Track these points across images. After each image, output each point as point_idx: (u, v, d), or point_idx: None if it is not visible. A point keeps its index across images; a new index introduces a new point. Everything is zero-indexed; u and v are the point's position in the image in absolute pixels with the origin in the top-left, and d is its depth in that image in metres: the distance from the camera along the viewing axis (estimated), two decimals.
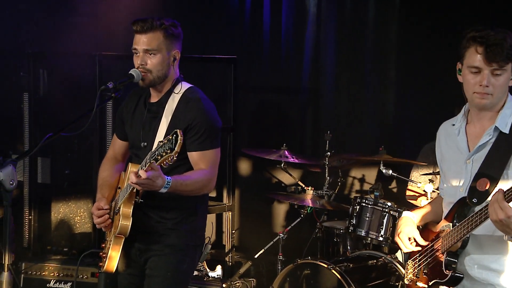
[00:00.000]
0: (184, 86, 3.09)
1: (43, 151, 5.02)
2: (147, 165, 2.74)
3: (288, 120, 5.78)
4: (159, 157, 2.66)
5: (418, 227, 2.73)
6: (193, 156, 3.01)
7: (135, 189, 2.89)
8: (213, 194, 5.36)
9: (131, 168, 3.03)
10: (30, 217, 5.00)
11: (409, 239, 2.69)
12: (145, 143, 3.07)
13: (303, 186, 4.86)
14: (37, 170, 5.10)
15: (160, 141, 2.69)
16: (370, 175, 5.40)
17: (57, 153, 5.14)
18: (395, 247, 4.31)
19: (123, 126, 3.24)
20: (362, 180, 5.46)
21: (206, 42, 5.76)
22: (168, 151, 2.61)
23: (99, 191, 3.17)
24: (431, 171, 4.52)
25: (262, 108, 5.88)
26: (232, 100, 5.11)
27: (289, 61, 5.70)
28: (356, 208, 4.31)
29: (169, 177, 2.83)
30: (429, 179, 4.37)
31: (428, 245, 2.66)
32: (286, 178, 5.54)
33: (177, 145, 2.58)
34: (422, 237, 2.69)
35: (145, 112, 3.11)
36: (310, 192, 4.67)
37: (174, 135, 2.60)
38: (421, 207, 2.89)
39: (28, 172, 5.05)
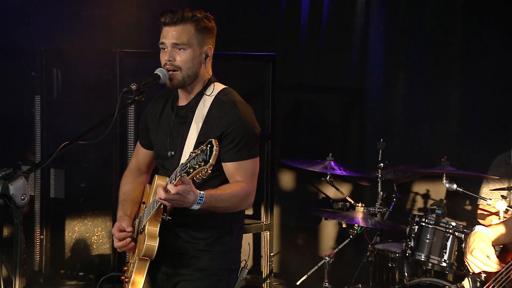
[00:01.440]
0: (217, 88, 3.09)
1: (57, 162, 5.09)
2: (177, 179, 2.74)
3: (334, 126, 5.74)
4: (191, 170, 2.66)
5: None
6: (228, 167, 3.01)
7: (162, 205, 2.90)
8: (249, 211, 5.35)
9: (158, 181, 3.04)
10: (42, 236, 5.05)
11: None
12: (173, 152, 3.08)
13: (352, 202, 4.81)
14: (49, 183, 5.16)
15: (192, 152, 2.70)
16: (431, 190, 5.31)
17: (72, 163, 5.20)
18: (461, 274, 4.24)
19: (148, 133, 3.24)
20: (421, 196, 5.38)
21: (234, 36, 5.77)
22: (202, 164, 2.62)
23: (121, 208, 3.19)
24: (505, 186, 4.42)
25: (303, 112, 5.86)
26: (270, 103, 5.12)
27: (333, 57, 5.66)
28: (415, 228, 4.24)
29: (202, 192, 2.83)
30: (501, 195, 4.27)
31: (503, 269, 2.61)
32: (332, 192, 5.50)
33: (212, 157, 2.59)
34: (499, 259, 2.62)
35: (172, 117, 3.12)
36: (360, 209, 4.62)
37: (209, 145, 2.61)
38: (495, 224, 2.82)
39: (39, 186, 5.11)
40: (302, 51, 5.74)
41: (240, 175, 2.99)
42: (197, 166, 2.63)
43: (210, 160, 2.59)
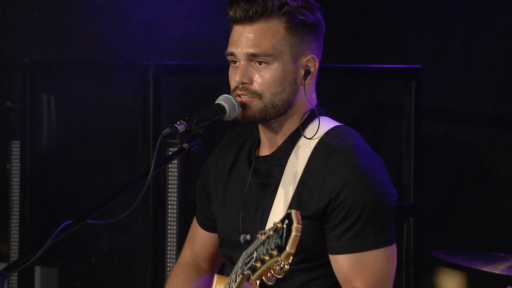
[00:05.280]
0: (324, 125, 3.14)
1: (47, 255, 5.16)
2: (237, 281, 2.80)
3: None
4: (259, 265, 2.69)
5: None
6: (340, 263, 3.03)
7: None
8: None
9: (218, 285, 3.11)
10: None
11: None
12: (248, 237, 3.12)
13: None
14: None
15: (261, 233, 2.75)
16: None
17: (72, 258, 5.28)
18: None
19: (210, 204, 3.32)
20: None
21: (346, 44, 5.83)
22: (274, 253, 2.64)
23: None
24: None
25: (465, 165, 5.85)
26: (413, 150, 5.13)
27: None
28: None
29: None
30: None
31: None
32: None
33: (289, 242, 2.59)
34: None
35: (249, 175, 3.19)
36: None
37: (286, 222, 2.62)
38: None
39: None
40: (455, 65, 5.76)
41: (360, 277, 2.99)
42: (266, 258, 2.64)
43: (287, 248, 2.57)
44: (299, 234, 2.58)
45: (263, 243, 2.68)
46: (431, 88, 5.73)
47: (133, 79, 4.94)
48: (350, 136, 3.11)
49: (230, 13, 3.07)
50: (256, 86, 3.06)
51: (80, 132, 5.22)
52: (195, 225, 3.40)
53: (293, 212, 2.61)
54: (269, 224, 3.06)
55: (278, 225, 2.63)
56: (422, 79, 5.16)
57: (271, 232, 2.67)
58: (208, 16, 5.33)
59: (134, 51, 5.39)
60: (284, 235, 2.59)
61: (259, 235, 2.73)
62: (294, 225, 2.58)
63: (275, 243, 2.62)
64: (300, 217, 2.60)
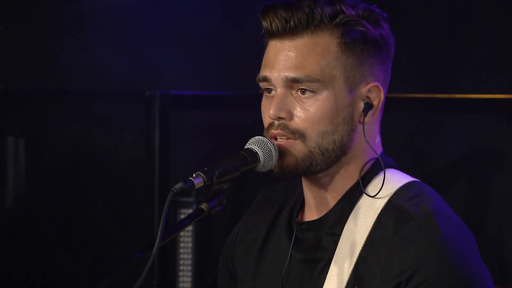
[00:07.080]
0: (393, 181, 3.16)
1: None
2: None
3: None
4: None
5: None
6: None
7: None
8: None
9: None
10: None
11: None
12: None
13: None
14: None
15: None
16: None
17: None
18: None
19: (234, 287, 3.34)
20: None
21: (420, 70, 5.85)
22: None
23: None
24: None
25: None
26: None
27: None
28: None
29: None
30: None
31: None
32: None
33: None
34: None
35: (289, 247, 3.18)
36: None
37: None
38: None
39: None
40: None
41: None
42: None
43: None
44: None
45: None
46: None
47: (133, 115, 4.96)
48: (429, 198, 3.12)
49: (264, 24, 3.12)
50: (297, 122, 3.10)
51: (59, 188, 5.24)
52: None
53: None
54: None
55: None
56: None
57: None
58: (232, 33, 5.37)
59: (133, 78, 5.43)
60: None
61: None
62: None
63: None
64: None
